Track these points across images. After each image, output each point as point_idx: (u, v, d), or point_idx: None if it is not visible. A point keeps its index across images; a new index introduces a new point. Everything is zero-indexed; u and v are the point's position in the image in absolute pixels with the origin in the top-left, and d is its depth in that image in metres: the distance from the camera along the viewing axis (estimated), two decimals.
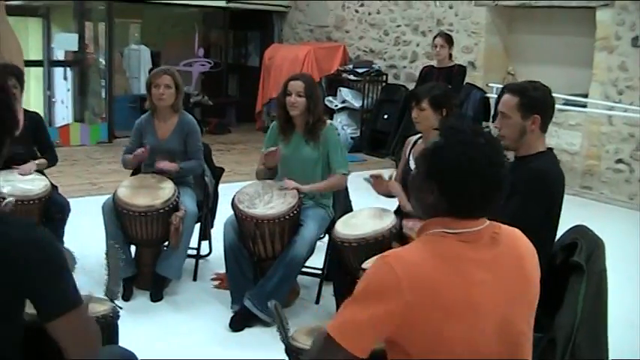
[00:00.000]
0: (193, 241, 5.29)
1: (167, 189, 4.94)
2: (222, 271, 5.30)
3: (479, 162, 2.04)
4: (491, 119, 9.44)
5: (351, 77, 11.64)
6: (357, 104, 11.45)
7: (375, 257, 2.10)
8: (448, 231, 2.07)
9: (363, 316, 1.97)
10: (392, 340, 2.03)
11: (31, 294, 2.01)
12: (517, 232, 2.21)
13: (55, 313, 2.01)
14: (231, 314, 4.65)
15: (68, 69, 11.59)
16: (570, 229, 3.44)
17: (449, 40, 8.10)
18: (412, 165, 4.37)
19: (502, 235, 2.13)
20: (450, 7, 10.66)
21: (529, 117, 3.36)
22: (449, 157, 2.06)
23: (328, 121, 4.85)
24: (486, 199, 2.08)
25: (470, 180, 2.04)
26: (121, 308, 2.93)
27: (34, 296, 2.01)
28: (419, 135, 4.51)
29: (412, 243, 2.14)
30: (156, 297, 4.92)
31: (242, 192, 4.73)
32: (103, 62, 11.81)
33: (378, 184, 4.49)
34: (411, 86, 10.99)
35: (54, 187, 5.18)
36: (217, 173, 5.62)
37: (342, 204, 5.05)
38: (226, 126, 12.40)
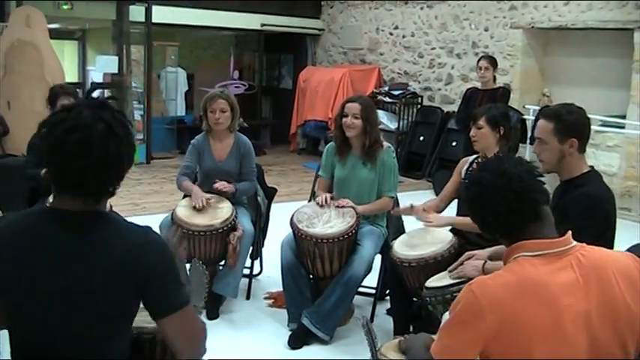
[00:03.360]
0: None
1: (225, 209, 5.03)
2: (274, 289, 5.41)
3: (491, 195, 2.23)
4: (528, 141, 9.48)
5: (387, 99, 11.73)
6: (392, 126, 11.52)
7: (465, 285, 2.20)
8: (529, 254, 2.15)
9: (459, 341, 2.13)
10: (485, 356, 2.13)
11: (147, 294, 2.10)
12: (606, 255, 2.25)
13: (167, 311, 2.11)
14: (289, 332, 4.74)
15: (106, 91, 11.74)
16: (631, 248, 3.48)
17: (493, 62, 8.15)
18: None
19: (589, 257, 2.18)
20: (486, 30, 10.75)
21: (566, 141, 3.37)
22: (468, 195, 2.31)
23: (386, 144, 4.91)
24: (530, 213, 2.20)
25: (494, 206, 2.22)
26: (203, 324, 2.99)
27: (149, 296, 2.11)
28: (475, 156, 4.57)
29: (499, 270, 2.22)
30: (212, 315, 5.00)
31: (300, 211, 4.81)
32: (134, 84, 11.95)
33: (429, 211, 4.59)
34: (446, 108, 11.12)
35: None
36: (270, 193, 5.69)
37: (394, 224, 5.12)
38: (261, 148, 12.50)
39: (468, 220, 4.01)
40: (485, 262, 3.55)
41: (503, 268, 2.20)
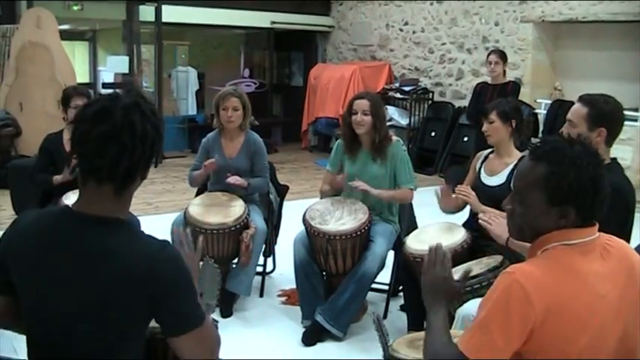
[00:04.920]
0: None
1: (238, 207, 5.04)
2: (288, 287, 5.42)
3: (591, 171, 2.09)
4: (540, 134, 9.46)
5: (398, 95, 11.73)
6: (403, 122, 11.51)
7: (501, 274, 2.13)
8: (566, 243, 2.11)
9: (499, 336, 2.00)
10: (520, 350, 2.05)
11: (160, 310, 2.04)
12: (625, 244, 2.25)
13: (181, 330, 2.05)
14: (303, 329, 4.74)
15: (118, 91, 11.79)
16: None
17: (503, 56, 8.11)
18: (485, 179, 4.43)
19: (613, 246, 2.18)
20: (496, 24, 10.72)
21: (595, 129, 3.39)
22: (571, 179, 2.08)
23: (394, 138, 4.91)
24: (603, 201, 2.14)
25: (592, 191, 2.09)
26: (217, 322, 3.00)
27: (162, 312, 2.05)
28: (489, 150, 4.56)
29: (533, 259, 2.16)
30: (226, 313, 5.02)
31: (312, 208, 4.81)
32: (145, 84, 11.99)
33: (446, 197, 4.53)
34: (457, 103, 11.10)
35: None
36: (282, 191, 5.70)
37: (407, 220, 5.11)
38: (272, 145, 12.48)
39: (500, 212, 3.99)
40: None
41: (539, 257, 2.14)
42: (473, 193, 4.32)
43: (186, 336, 2.05)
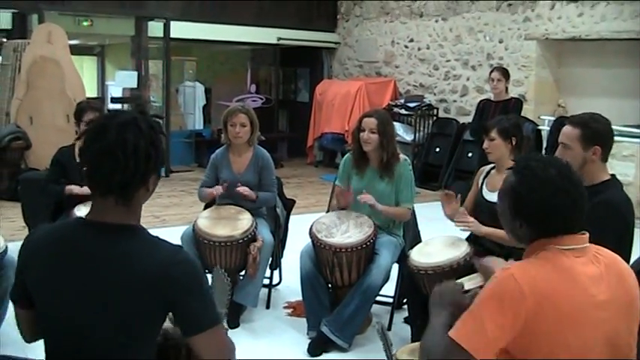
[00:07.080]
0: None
1: (245, 220, 5.13)
2: (294, 299, 5.49)
3: (556, 193, 2.22)
4: (543, 151, 9.53)
5: (403, 111, 11.82)
6: (408, 138, 11.59)
7: (497, 270, 2.24)
8: (560, 247, 2.22)
9: (490, 325, 2.10)
10: (509, 348, 2.15)
11: (177, 312, 2.14)
12: (614, 255, 2.35)
13: (197, 329, 2.13)
14: (308, 340, 4.82)
15: (126, 106, 11.92)
16: None
17: (505, 73, 8.21)
18: (486, 195, 4.51)
19: (603, 255, 2.29)
20: (500, 42, 10.83)
21: (590, 148, 3.48)
22: (528, 196, 2.26)
23: (402, 157, 4.99)
24: (573, 217, 2.25)
25: (552, 210, 2.22)
26: (227, 330, 3.09)
27: (179, 314, 2.14)
28: (491, 165, 4.65)
29: (528, 259, 2.27)
30: (233, 324, 5.07)
31: (319, 222, 4.90)
32: (153, 99, 12.11)
33: (447, 202, 4.60)
34: (462, 120, 11.19)
35: None
36: (288, 205, 5.79)
37: (411, 234, 5.19)
38: (278, 161, 12.52)
39: (502, 233, 4.10)
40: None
41: (537, 256, 2.24)
42: (471, 219, 4.40)
43: (203, 335, 2.13)
